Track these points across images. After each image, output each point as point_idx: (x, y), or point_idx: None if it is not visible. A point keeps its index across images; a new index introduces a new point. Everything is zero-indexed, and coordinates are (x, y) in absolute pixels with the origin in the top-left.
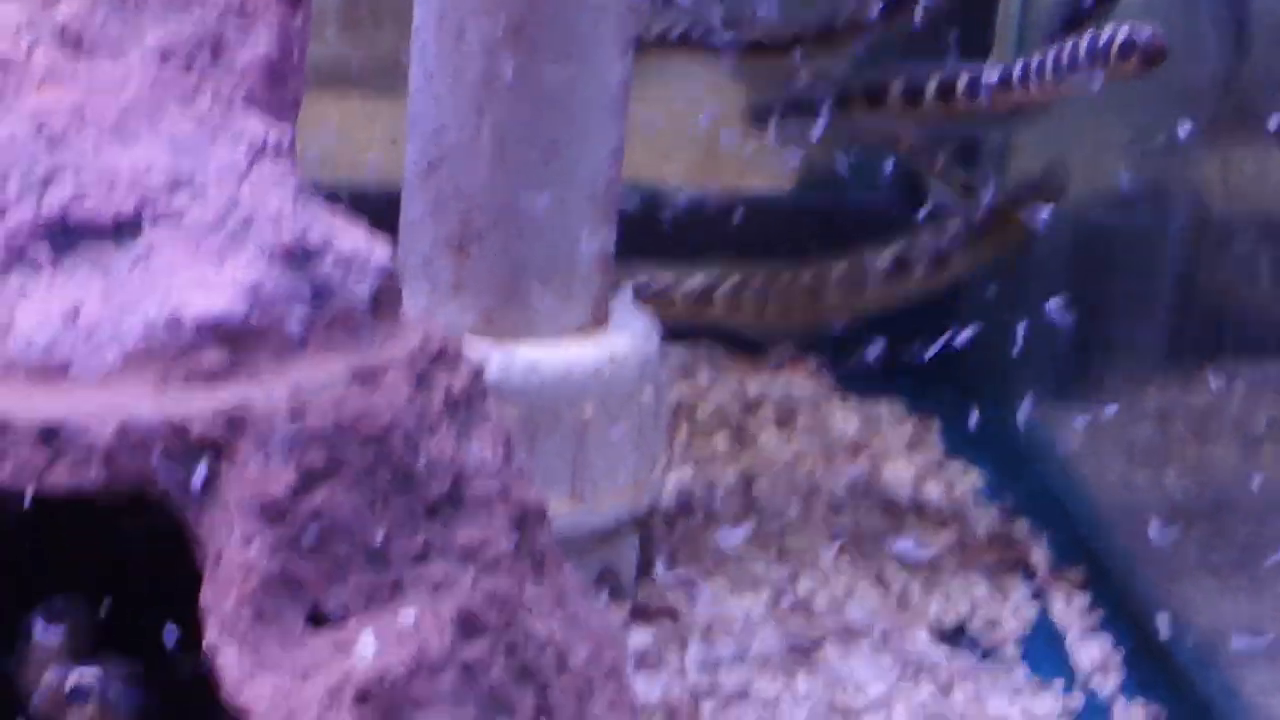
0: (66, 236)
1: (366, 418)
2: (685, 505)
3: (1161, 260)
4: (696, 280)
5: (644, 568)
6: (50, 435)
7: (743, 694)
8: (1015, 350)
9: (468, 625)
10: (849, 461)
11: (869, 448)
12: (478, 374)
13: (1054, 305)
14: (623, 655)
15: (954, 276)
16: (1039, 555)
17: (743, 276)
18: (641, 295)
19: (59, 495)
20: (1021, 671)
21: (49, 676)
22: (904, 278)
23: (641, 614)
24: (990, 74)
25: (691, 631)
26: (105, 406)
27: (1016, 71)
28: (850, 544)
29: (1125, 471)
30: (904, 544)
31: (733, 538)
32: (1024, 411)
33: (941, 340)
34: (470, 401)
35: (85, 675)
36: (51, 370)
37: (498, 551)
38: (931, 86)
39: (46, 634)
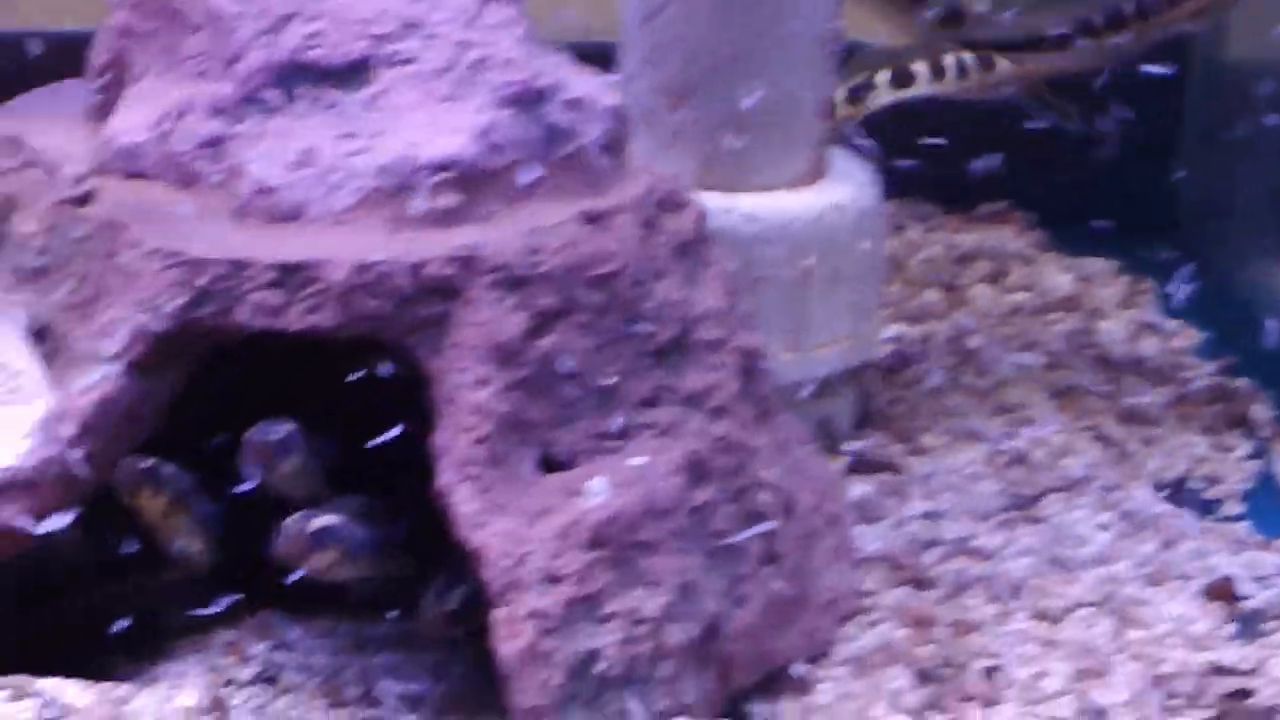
0: (300, 79)
1: (597, 261)
2: (900, 359)
3: None
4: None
5: (860, 420)
6: (286, 276)
7: (964, 546)
8: (1234, 207)
9: (696, 470)
10: (1063, 317)
11: (1083, 304)
12: (703, 219)
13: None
14: (843, 505)
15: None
16: (1260, 412)
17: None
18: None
19: (295, 336)
20: (1244, 527)
21: (291, 521)
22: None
23: (859, 466)
24: None
25: (910, 484)
26: (340, 248)
27: None
28: (1068, 399)
29: None
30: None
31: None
32: (1183, 277)
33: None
34: (696, 247)
35: (327, 520)
36: (286, 212)
37: (725, 397)
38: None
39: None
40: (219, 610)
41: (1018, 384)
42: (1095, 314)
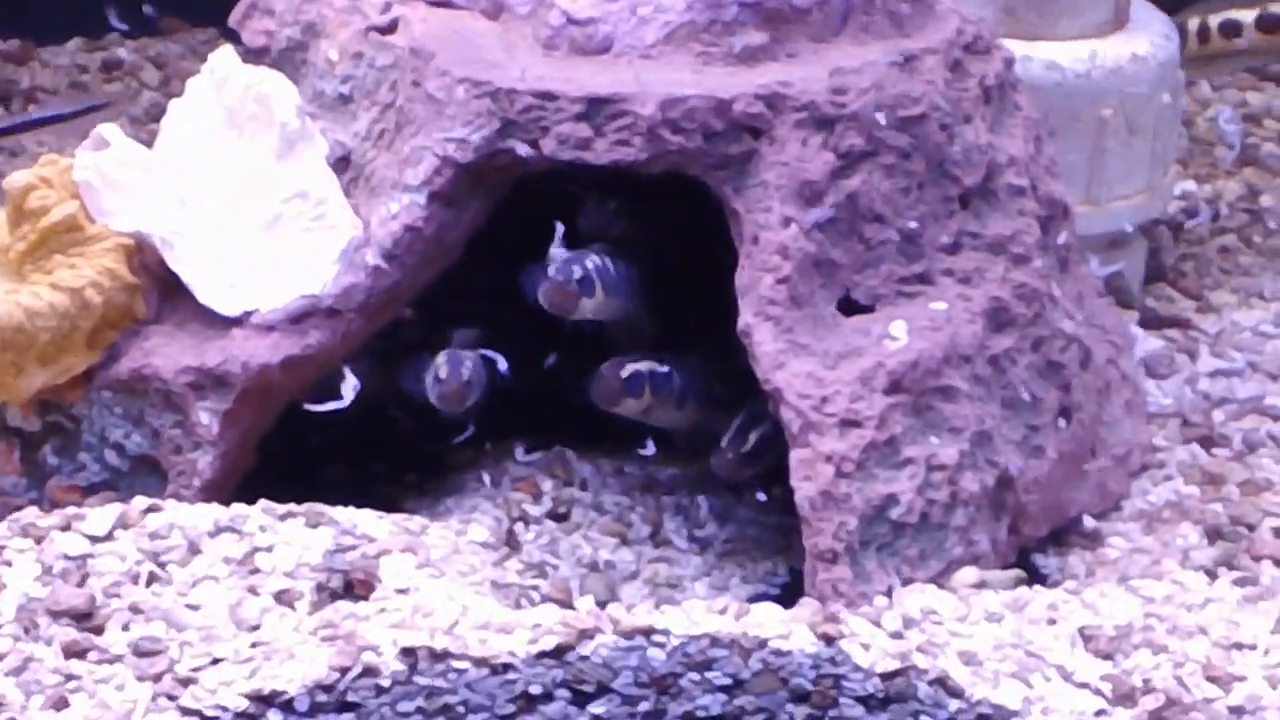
0: None
1: (904, 102)
2: (1190, 216)
3: None
4: None
5: (1152, 275)
6: (594, 109)
7: (1255, 405)
8: None
9: (997, 317)
10: None
11: None
12: (1009, 64)
13: None
14: (1136, 360)
15: None
16: None
17: None
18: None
19: (599, 169)
20: None
21: (605, 368)
22: None
23: (1151, 321)
24: None
25: (1200, 341)
26: (647, 83)
27: None
28: None
29: None
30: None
31: None
32: None
33: None
34: (1002, 92)
35: (639, 366)
36: (594, 45)
37: (1027, 246)
38: None
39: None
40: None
41: None
42: None
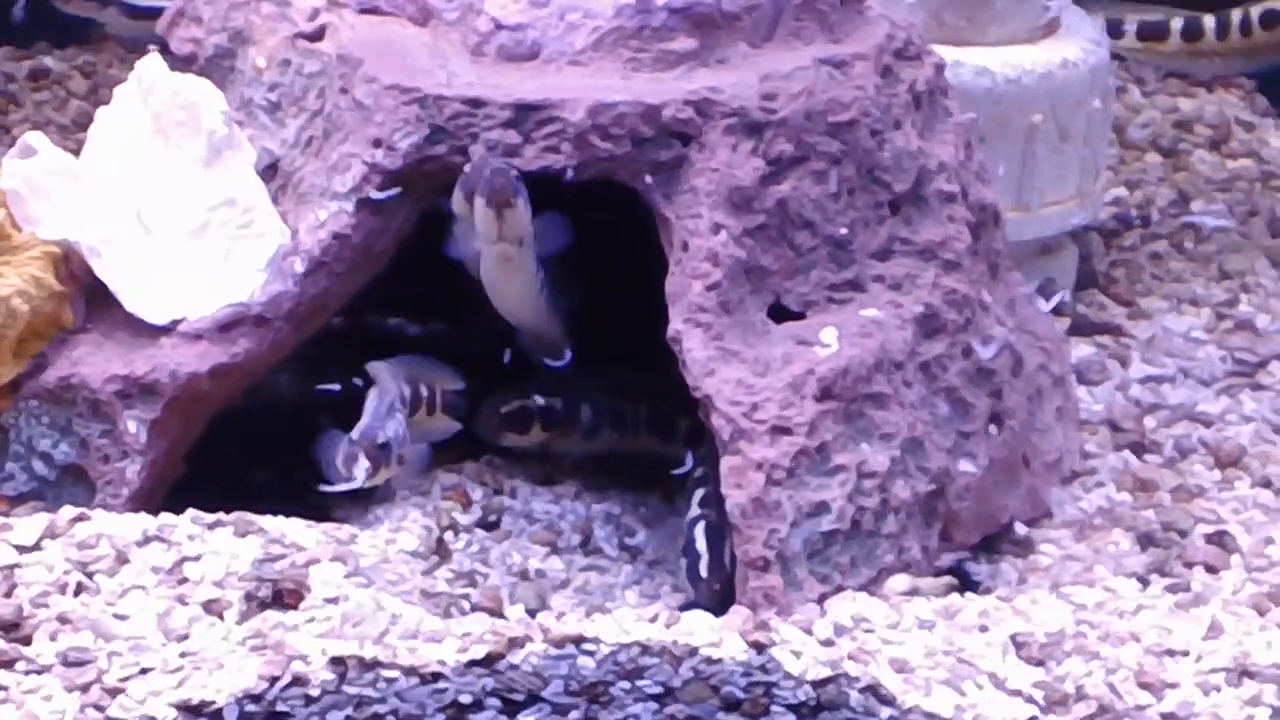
0: None
1: (834, 108)
2: (1122, 222)
3: None
4: None
5: (1083, 281)
6: (523, 115)
7: (1186, 411)
8: None
9: (928, 324)
10: None
11: None
12: (940, 70)
13: None
14: (1068, 366)
15: None
16: None
17: None
18: None
19: (529, 176)
20: None
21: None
22: None
23: (1082, 328)
24: None
25: (1131, 348)
26: (576, 89)
27: None
28: None
29: None
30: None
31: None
32: None
33: None
34: (933, 98)
35: (525, 402)
36: (522, 51)
37: (957, 252)
38: None
39: None
40: None
41: (1240, 251)
42: None
